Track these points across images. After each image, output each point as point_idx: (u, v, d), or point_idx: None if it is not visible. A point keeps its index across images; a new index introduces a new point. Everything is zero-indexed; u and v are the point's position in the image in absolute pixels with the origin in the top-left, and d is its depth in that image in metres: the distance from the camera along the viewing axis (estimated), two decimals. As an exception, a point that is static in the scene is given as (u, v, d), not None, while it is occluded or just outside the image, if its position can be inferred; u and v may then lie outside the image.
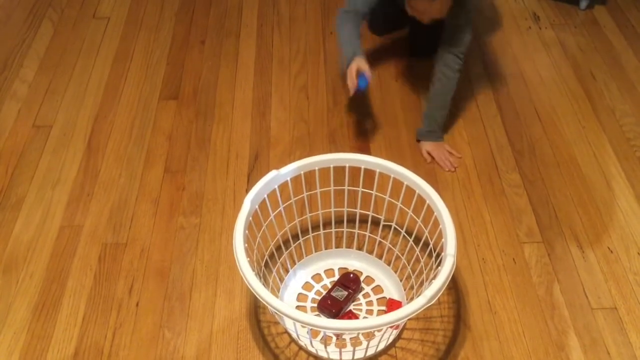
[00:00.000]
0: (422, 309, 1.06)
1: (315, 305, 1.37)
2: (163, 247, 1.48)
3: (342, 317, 1.34)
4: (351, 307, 1.36)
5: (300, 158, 1.31)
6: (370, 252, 1.45)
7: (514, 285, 1.41)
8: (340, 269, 1.45)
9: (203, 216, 1.55)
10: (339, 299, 1.34)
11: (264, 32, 2.10)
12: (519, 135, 1.76)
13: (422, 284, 1.31)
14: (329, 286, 1.40)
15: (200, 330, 1.34)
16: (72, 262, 1.45)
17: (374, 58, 2.00)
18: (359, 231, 1.44)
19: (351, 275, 1.38)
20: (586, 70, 1.96)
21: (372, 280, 1.43)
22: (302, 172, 1.29)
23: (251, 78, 1.93)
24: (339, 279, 1.38)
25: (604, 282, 1.42)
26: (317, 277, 1.43)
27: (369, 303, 1.38)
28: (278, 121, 1.79)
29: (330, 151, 1.68)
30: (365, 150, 1.70)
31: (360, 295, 1.39)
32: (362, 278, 1.42)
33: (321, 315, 1.35)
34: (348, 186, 1.34)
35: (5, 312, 1.36)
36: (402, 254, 1.38)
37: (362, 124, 1.79)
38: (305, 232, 1.44)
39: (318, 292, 1.39)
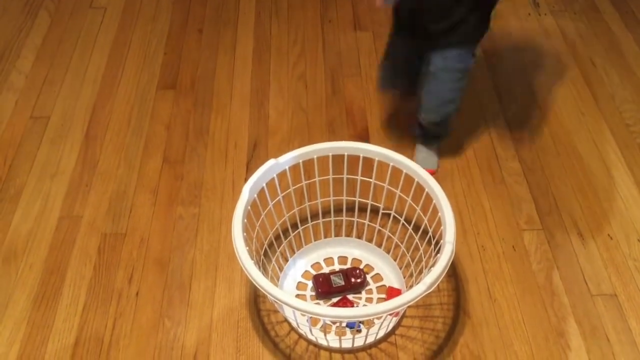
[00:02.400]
0: (422, 296, 1.06)
1: (314, 294, 1.37)
2: (162, 237, 1.48)
3: (337, 304, 1.34)
4: (345, 295, 1.36)
5: (299, 147, 1.30)
6: (370, 240, 1.44)
7: (514, 272, 1.41)
8: (339, 257, 1.45)
9: (202, 206, 1.54)
10: (332, 283, 1.33)
11: (261, 20, 2.09)
12: (519, 123, 1.75)
13: (421, 271, 1.31)
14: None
15: (200, 319, 1.34)
16: (72, 252, 1.45)
17: (374, 49, 1.99)
18: (358, 219, 1.43)
19: (357, 271, 1.37)
20: (586, 57, 1.96)
21: (372, 268, 1.43)
22: (300, 161, 1.29)
23: (249, 67, 1.92)
24: (348, 268, 1.38)
25: (603, 269, 1.42)
26: (316, 266, 1.43)
27: (369, 291, 1.38)
28: (276, 110, 1.79)
29: (330, 140, 1.67)
30: (365, 139, 1.70)
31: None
32: (361, 266, 1.42)
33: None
34: (347, 174, 1.34)
35: (5, 302, 1.36)
36: (402, 242, 1.38)
37: (361, 112, 1.78)
38: (304, 221, 1.43)
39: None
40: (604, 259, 1.44)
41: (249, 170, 1.62)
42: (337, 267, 1.42)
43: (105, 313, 1.35)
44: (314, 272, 1.41)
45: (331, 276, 1.35)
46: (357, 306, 1.34)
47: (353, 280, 1.35)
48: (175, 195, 1.57)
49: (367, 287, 1.38)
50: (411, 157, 1.62)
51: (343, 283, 1.34)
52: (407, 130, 1.70)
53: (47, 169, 1.63)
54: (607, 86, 1.86)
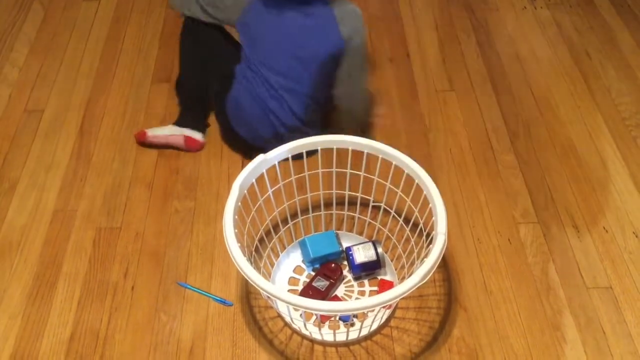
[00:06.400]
0: (415, 287, 1.06)
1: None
2: (158, 231, 1.48)
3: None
4: (335, 294, 1.36)
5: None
6: (360, 233, 1.44)
7: (510, 265, 1.42)
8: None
9: (197, 200, 1.54)
10: (320, 289, 1.32)
11: (257, 13, 2.08)
12: (514, 116, 1.75)
13: (413, 263, 1.31)
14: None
15: (197, 313, 1.34)
16: (67, 246, 1.45)
17: (370, 42, 1.98)
18: (348, 213, 1.43)
19: (332, 265, 1.37)
20: (582, 50, 1.95)
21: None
22: (289, 156, 1.28)
23: (244, 60, 1.91)
24: (320, 269, 1.37)
25: (599, 261, 1.42)
26: (311, 260, 1.43)
27: (361, 284, 1.38)
28: (272, 104, 1.78)
29: (325, 134, 1.67)
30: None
31: (351, 277, 1.39)
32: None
33: None
34: (338, 168, 1.33)
35: (0, 297, 1.36)
36: (392, 234, 1.38)
37: (356, 105, 1.77)
38: (294, 215, 1.43)
39: (309, 276, 1.39)
40: (599, 251, 1.44)
41: (245, 164, 1.62)
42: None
43: (101, 307, 1.34)
44: (305, 266, 1.41)
45: (313, 284, 1.34)
46: (350, 299, 1.35)
47: (333, 274, 1.35)
48: (170, 189, 1.56)
49: (359, 280, 1.38)
50: (405, 148, 1.62)
51: (328, 282, 1.34)
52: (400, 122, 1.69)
53: (41, 163, 1.62)
54: (603, 79, 1.86)
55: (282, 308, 1.24)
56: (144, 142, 1.62)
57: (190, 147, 1.62)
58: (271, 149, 1.26)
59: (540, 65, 1.91)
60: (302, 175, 1.34)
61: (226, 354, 1.27)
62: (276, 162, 1.28)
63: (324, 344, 1.29)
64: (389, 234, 1.39)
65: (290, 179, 1.34)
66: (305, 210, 1.46)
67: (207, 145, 1.66)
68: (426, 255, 1.12)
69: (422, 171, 1.22)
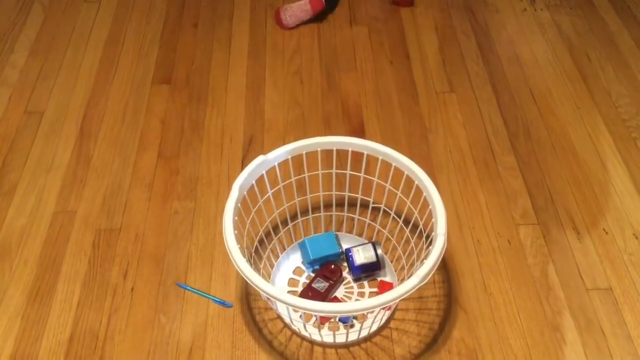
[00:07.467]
0: (415, 288, 1.06)
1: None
2: (157, 231, 1.48)
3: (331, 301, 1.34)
4: (334, 296, 1.36)
5: (294, 142, 1.30)
6: (360, 234, 1.44)
7: (509, 266, 1.42)
8: (334, 252, 1.45)
9: (197, 200, 1.54)
10: (320, 290, 1.32)
11: (257, 14, 2.08)
12: (514, 117, 1.75)
13: (412, 264, 1.31)
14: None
15: (196, 315, 1.34)
16: (66, 248, 1.45)
17: (370, 44, 1.99)
18: (348, 214, 1.43)
19: (332, 266, 1.37)
20: (581, 52, 1.96)
21: (367, 263, 1.42)
22: (289, 157, 1.28)
23: (245, 61, 1.92)
24: (319, 270, 1.37)
25: (599, 263, 1.42)
26: (311, 261, 1.43)
27: (361, 285, 1.38)
28: (272, 105, 1.78)
29: (325, 134, 1.68)
30: (360, 133, 1.70)
31: (351, 278, 1.39)
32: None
33: None
34: (338, 169, 1.33)
35: (0, 298, 1.36)
36: (392, 236, 1.38)
37: (356, 107, 1.78)
38: (294, 217, 1.43)
39: (309, 277, 1.39)
40: (599, 253, 1.44)
41: (245, 164, 1.62)
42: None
43: (100, 309, 1.34)
44: (304, 268, 1.41)
45: (313, 285, 1.34)
46: (349, 300, 1.35)
47: (333, 275, 1.35)
48: (170, 189, 1.57)
49: (359, 282, 1.38)
50: (405, 150, 1.62)
51: (328, 284, 1.34)
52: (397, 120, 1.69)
53: (41, 164, 1.63)
54: (603, 80, 1.86)
55: (282, 309, 1.24)
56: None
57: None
58: None
59: (540, 66, 1.91)
60: (301, 176, 1.35)
61: (226, 355, 1.27)
62: (276, 164, 1.28)
63: (323, 345, 1.29)
64: (389, 235, 1.39)
65: (290, 180, 1.34)
66: (305, 212, 1.46)
67: (207, 146, 1.66)
68: (426, 257, 1.12)
69: (422, 172, 1.22)
